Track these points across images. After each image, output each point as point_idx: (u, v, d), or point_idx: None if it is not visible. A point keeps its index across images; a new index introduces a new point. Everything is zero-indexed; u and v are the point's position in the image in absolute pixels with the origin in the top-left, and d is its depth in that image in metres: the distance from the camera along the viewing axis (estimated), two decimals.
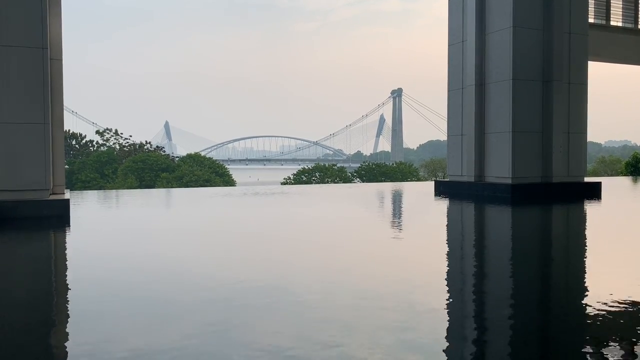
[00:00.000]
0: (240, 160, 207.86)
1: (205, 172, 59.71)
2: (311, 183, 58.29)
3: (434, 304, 3.91)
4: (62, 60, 10.09)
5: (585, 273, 5.19)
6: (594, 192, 13.60)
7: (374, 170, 65.00)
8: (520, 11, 12.76)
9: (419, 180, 62.36)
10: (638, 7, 21.71)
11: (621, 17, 21.43)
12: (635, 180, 22.39)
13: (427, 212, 11.49)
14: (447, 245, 6.99)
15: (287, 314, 3.66)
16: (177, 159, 72.46)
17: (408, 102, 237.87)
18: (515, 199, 12.36)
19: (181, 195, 15.83)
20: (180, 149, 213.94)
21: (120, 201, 13.46)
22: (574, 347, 3.09)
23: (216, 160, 71.06)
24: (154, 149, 75.87)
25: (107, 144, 74.49)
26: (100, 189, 51.47)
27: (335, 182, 57.58)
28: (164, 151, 78.83)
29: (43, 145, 8.95)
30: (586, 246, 6.98)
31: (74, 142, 72.58)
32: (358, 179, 64.21)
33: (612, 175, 49.22)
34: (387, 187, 19.85)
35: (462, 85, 14.23)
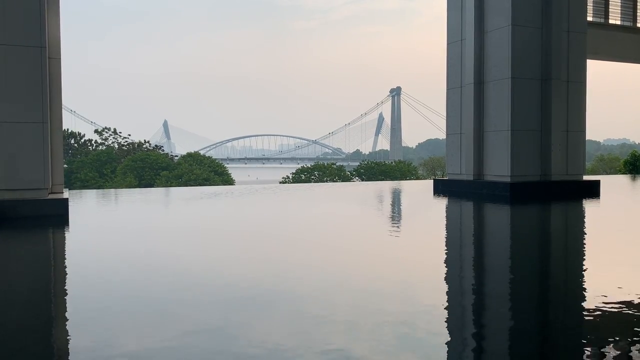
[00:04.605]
0: (239, 159, 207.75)
1: (204, 171, 59.66)
2: (310, 182, 58.27)
3: (433, 303, 3.92)
4: (60, 59, 10.06)
5: (584, 271, 5.19)
6: (593, 190, 13.60)
7: (373, 169, 64.98)
8: (519, 9, 12.75)
9: (417, 178, 62.38)
10: (637, 5, 21.71)
11: (620, 16, 21.43)
12: (633, 179, 22.41)
13: (426, 210, 11.49)
14: (446, 244, 6.99)
15: (287, 313, 3.67)
16: (176, 157, 72.40)
17: (407, 101, 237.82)
18: (514, 197, 12.37)
19: (180, 194, 15.82)
20: (179, 147, 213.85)
21: (119, 200, 13.45)
22: (573, 346, 3.09)
23: (215, 159, 71.00)
24: (153, 147, 75.82)
25: (106, 143, 74.42)
26: (99, 188, 51.45)
27: (334, 181, 57.57)
28: (163, 150, 78.75)
29: (42, 145, 8.94)
30: (585, 244, 6.98)
31: (72, 141, 72.46)
32: (357, 178, 64.20)
33: (610, 173, 49.26)
34: (386, 186, 19.86)
35: (461, 84, 14.22)
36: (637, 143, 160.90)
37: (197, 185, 49.54)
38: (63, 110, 10.48)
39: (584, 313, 3.67)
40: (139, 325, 3.42)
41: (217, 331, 3.27)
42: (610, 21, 21.17)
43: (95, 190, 22.71)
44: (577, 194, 13.23)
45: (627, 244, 6.80)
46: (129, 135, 76.08)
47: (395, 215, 10.40)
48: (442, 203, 12.40)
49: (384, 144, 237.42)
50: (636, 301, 3.86)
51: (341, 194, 15.29)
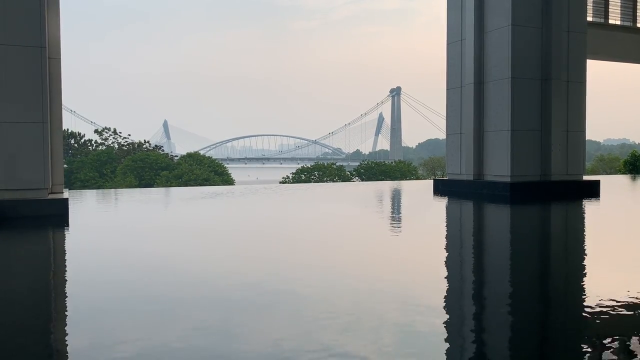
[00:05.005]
0: (239, 159, 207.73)
1: (204, 171, 59.65)
2: (310, 182, 58.27)
3: (433, 303, 3.92)
4: (60, 59, 10.06)
5: (584, 271, 5.19)
6: (593, 190, 13.60)
7: (373, 169, 64.99)
8: (519, 9, 12.75)
9: (417, 178, 62.38)
10: (636, 5, 21.71)
11: (620, 16, 21.43)
12: (633, 179, 22.42)
13: (426, 210, 11.50)
14: (446, 243, 6.99)
15: (287, 313, 3.67)
16: (176, 157, 72.40)
17: (407, 101, 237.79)
18: (514, 197, 12.37)
19: (180, 194, 15.82)
20: (179, 147, 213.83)
21: (119, 200, 13.45)
22: (573, 346, 3.09)
23: (215, 159, 71.00)
24: (153, 148, 75.83)
25: (106, 143, 74.44)
26: (99, 188, 51.45)
27: (334, 181, 57.56)
28: (163, 150, 78.75)
29: (41, 145, 8.94)
30: (585, 244, 6.98)
31: (72, 141, 72.47)
32: (357, 178, 64.20)
33: (610, 173, 49.26)
34: (386, 186, 19.86)
35: (461, 84, 14.22)
36: (637, 143, 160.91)
37: (197, 185, 49.54)
38: (63, 110, 10.48)
39: (584, 313, 3.67)
40: (138, 325, 3.42)
41: (217, 331, 3.27)
42: (610, 21, 21.17)
43: (95, 190, 22.71)
44: (577, 194, 13.23)
45: (627, 244, 6.80)
46: (129, 135, 76.14)
47: (396, 215, 10.40)
48: (442, 203, 12.40)
49: (384, 144, 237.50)
50: (637, 301, 3.86)
51: (341, 194, 15.29)
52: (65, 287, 4.56)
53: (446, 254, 6.08)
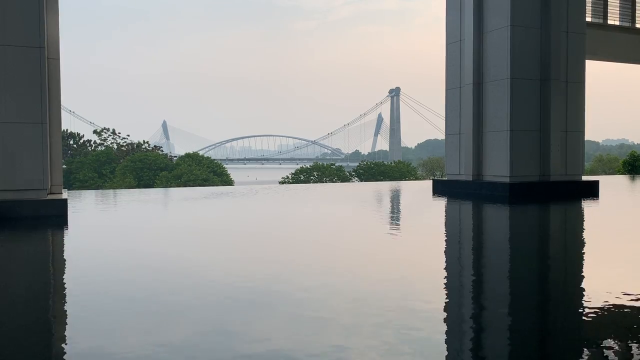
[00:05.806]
0: (238, 159, 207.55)
1: (203, 171, 59.59)
2: (309, 182, 58.24)
3: (433, 304, 3.92)
4: (59, 59, 10.06)
5: (584, 271, 5.20)
6: (592, 190, 13.61)
7: (372, 170, 64.95)
8: (518, 10, 12.75)
9: (417, 179, 62.39)
10: (635, 6, 21.73)
11: (619, 16, 21.45)
12: (632, 179, 22.43)
13: (425, 211, 11.50)
14: (445, 244, 6.99)
15: (286, 313, 3.66)
16: (175, 158, 72.35)
17: (406, 101, 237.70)
18: (513, 197, 12.38)
19: (179, 194, 15.81)
20: (178, 148, 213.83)
21: (118, 200, 13.44)
22: (572, 345, 3.09)
23: (214, 159, 70.93)
24: (152, 148, 75.78)
25: (105, 144, 74.38)
26: (98, 188, 51.42)
27: (333, 182, 57.55)
28: (162, 150, 78.67)
29: (40, 145, 8.93)
30: (584, 244, 6.99)
31: (71, 142, 72.42)
32: (356, 178, 64.19)
33: (609, 173, 49.28)
34: (386, 186, 19.86)
35: (460, 84, 14.23)
36: (635, 143, 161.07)
37: (196, 186, 49.52)
38: (62, 111, 10.48)
39: (583, 313, 3.67)
40: (138, 326, 3.42)
41: (217, 332, 3.27)
42: (609, 22, 21.18)
43: (94, 190, 22.70)
44: (576, 194, 13.24)
45: (626, 244, 6.81)
46: (128, 135, 76.08)
47: (395, 215, 10.40)
48: (441, 203, 12.40)
49: (383, 144, 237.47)
50: (636, 301, 3.86)
51: (341, 195, 15.29)
52: (64, 288, 4.56)
53: (446, 255, 6.08)
